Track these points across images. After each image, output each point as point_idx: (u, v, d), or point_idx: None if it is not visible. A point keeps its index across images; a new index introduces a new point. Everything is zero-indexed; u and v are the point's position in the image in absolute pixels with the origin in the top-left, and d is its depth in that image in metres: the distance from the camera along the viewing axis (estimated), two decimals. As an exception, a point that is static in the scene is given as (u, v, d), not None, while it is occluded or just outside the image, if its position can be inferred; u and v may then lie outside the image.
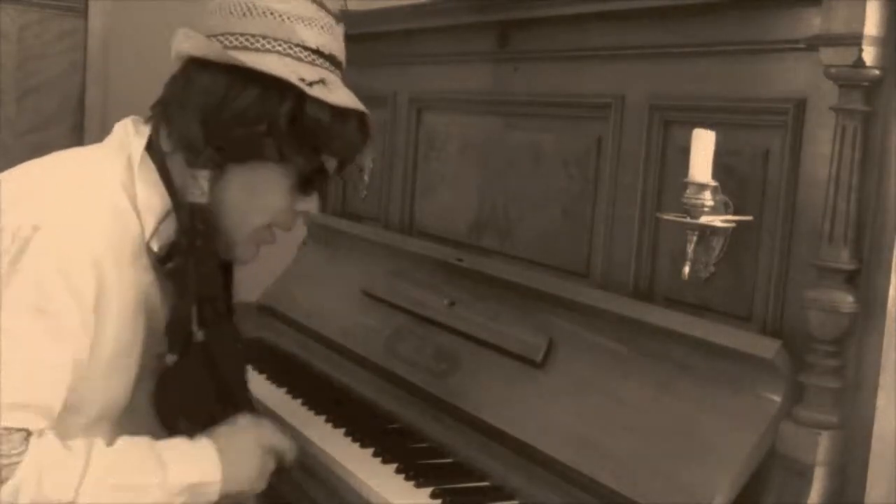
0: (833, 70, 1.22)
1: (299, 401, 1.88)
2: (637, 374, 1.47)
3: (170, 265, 1.37)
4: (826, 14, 1.21)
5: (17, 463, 1.23)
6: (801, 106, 1.33)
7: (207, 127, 1.36)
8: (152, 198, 1.37)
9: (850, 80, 1.21)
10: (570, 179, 1.73)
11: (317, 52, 1.39)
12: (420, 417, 1.78)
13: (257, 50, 1.37)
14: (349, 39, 2.26)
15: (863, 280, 1.24)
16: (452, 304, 1.86)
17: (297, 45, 1.38)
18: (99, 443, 1.31)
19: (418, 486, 1.53)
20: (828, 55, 1.22)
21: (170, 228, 1.37)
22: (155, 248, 1.37)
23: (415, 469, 1.57)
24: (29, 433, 1.25)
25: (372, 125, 1.45)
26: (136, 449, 1.33)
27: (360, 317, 2.04)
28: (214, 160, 1.36)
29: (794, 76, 1.34)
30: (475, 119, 2.00)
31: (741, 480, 1.27)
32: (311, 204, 1.47)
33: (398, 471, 1.58)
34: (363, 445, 1.67)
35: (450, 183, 2.07)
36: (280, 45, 1.37)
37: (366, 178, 2.37)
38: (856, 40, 1.18)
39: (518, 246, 1.85)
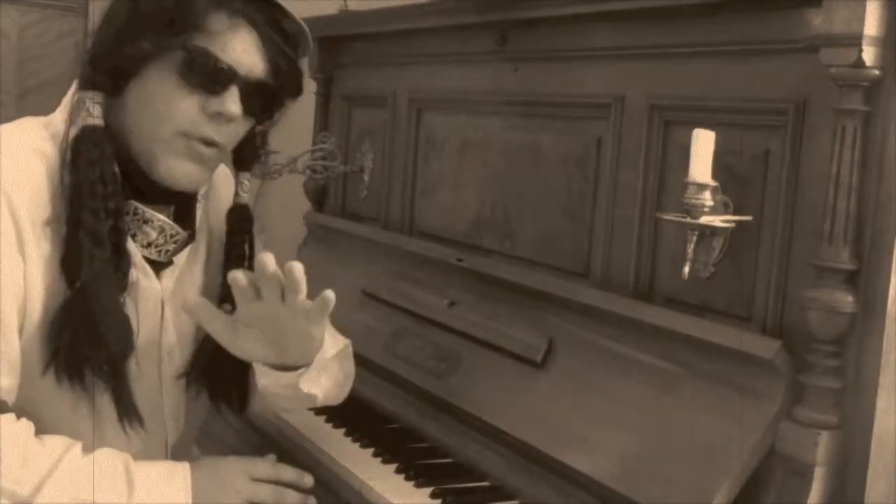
0: (833, 70, 1.22)
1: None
2: (637, 374, 1.47)
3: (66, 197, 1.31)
4: (826, 14, 1.21)
5: None
6: (801, 106, 1.33)
7: (92, 50, 1.35)
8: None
9: (850, 80, 1.21)
10: (570, 179, 1.73)
11: None
12: (420, 417, 1.78)
13: None
14: (349, 39, 2.26)
15: (863, 280, 1.24)
16: (452, 304, 1.86)
17: None
18: (76, 448, 1.28)
19: (418, 486, 1.53)
20: (828, 55, 1.22)
21: None
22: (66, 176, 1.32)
23: (415, 469, 1.57)
24: None
25: None
26: (109, 463, 1.29)
27: (360, 317, 2.04)
28: (97, 81, 1.33)
29: (794, 76, 1.34)
30: (475, 119, 2.00)
31: (741, 480, 1.27)
32: (225, 104, 1.33)
33: (398, 471, 1.58)
34: (363, 445, 1.67)
35: (450, 183, 2.07)
36: None
37: (366, 178, 2.37)
38: (856, 40, 1.18)
39: (518, 246, 1.85)
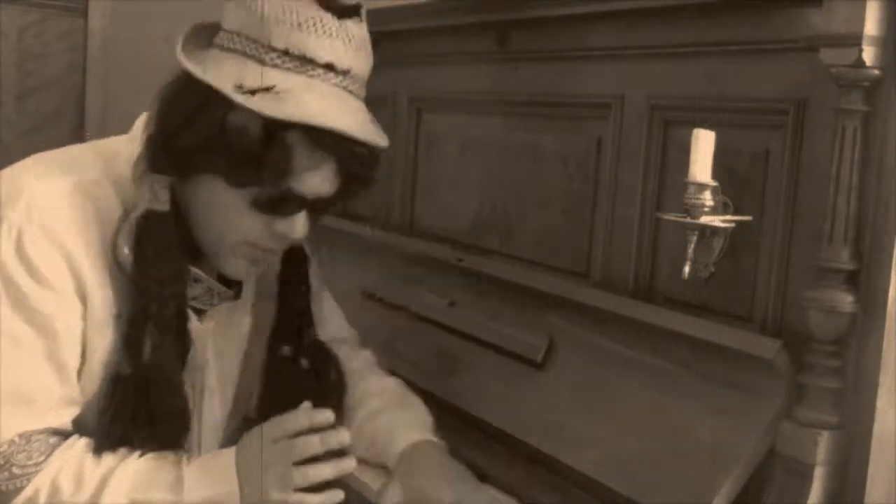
0: (833, 70, 1.22)
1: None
2: (637, 374, 1.47)
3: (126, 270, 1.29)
4: (826, 14, 1.21)
5: (34, 474, 1.22)
6: (801, 106, 1.33)
7: (159, 131, 1.28)
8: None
9: (850, 80, 1.21)
10: (570, 179, 1.73)
11: (285, 52, 1.24)
12: (420, 417, 1.78)
13: (226, 49, 1.27)
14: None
15: (863, 280, 1.24)
16: (452, 304, 1.86)
17: (264, 46, 1.24)
18: (133, 456, 1.28)
19: (418, 486, 1.53)
20: (828, 55, 1.22)
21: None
22: (123, 250, 1.29)
23: (415, 469, 1.57)
24: (58, 437, 1.24)
25: (357, 147, 1.29)
26: (162, 463, 1.29)
27: (360, 317, 2.04)
28: (165, 167, 1.28)
29: (794, 76, 1.34)
30: (475, 119, 2.00)
31: (741, 480, 1.27)
32: (293, 227, 1.32)
33: (398, 471, 1.57)
34: (363, 445, 1.67)
35: (450, 183, 2.07)
36: (248, 45, 1.25)
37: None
38: (856, 40, 1.18)
39: (518, 246, 1.85)
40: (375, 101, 2.33)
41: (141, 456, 1.29)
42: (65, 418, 1.29)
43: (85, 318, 1.28)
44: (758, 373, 1.31)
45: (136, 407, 1.30)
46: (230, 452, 1.31)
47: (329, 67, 1.28)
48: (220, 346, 1.47)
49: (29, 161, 1.35)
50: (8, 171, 1.33)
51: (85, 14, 3.47)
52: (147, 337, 1.29)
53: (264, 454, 1.27)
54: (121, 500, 1.25)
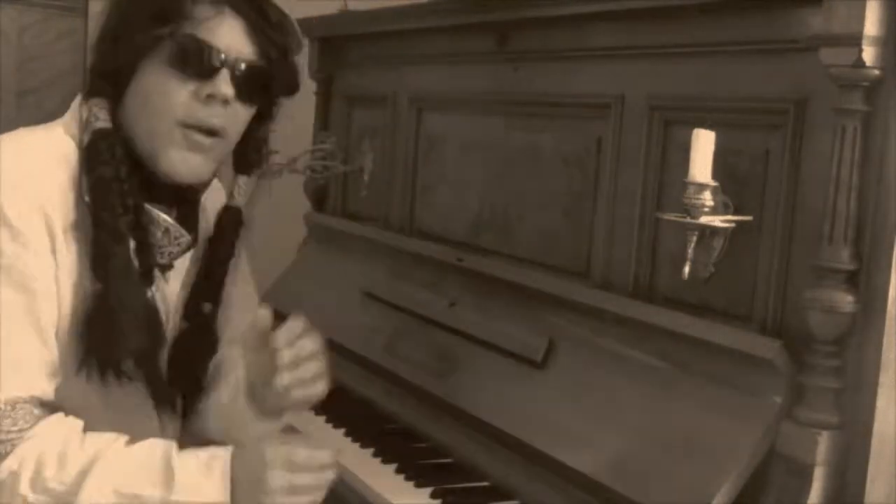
0: (833, 70, 1.22)
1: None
2: (637, 374, 1.47)
3: (86, 199, 1.33)
4: (826, 14, 1.21)
5: (18, 440, 1.23)
6: (801, 106, 1.33)
7: (95, 58, 1.39)
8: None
9: (850, 80, 1.21)
10: (570, 179, 1.73)
11: None
12: (420, 417, 1.78)
13: None
14: (349, 39, 2.25)
15: (863, 280, 1.24)
16: (452, 304, 1.86)
17: None
18: (119, 442, 1.28)
19: (418, 486, 1.53)
20: (828, 55, 1.22)
21: None
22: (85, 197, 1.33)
23: (415, 469, 1.57)
24: (41, 409, 1.25)
25: None
26: (150, 456, 1.29)
27: (360, 317, 2.04)
28: (102, 88, 1.37)
29: (794, 76, 1.34)
30: (475, 119, 2.00)
31: (741, 480, 1.27)
32: (218, 85, 1.34)
33: (398, 471, 1.58)
34: (363, 445, 1.67)
35: (450, 183, 2.07)
36: None
37: (366, 178, 2.37)
38: (856, 40, 1.18)
39: (518, 246, 1.85)
40: (375, 101, 2.35)
41: (128, 443, 1.29)
42: (48, 388, 1.29)
43: (57, 276, 1.31)
44: (758, 373, 1.31)
45: (106, 323, 1.31)
46: (225, 459, 1.29)
47: None
48: (179, 309, 1.48)
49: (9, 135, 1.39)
50: None
51: (85, 14, 3.46)
52: (104, 251, 1.32)
53: (266, 475, 1.28)
54: (105, 489, 1.25)
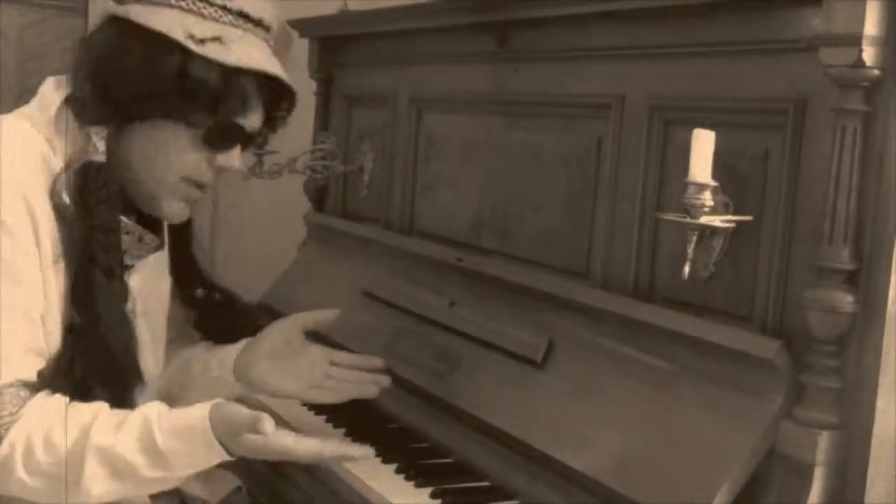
0: (833, 70, 1.22)
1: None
2: (637, 374, 1.47)
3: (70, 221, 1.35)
4: (826, 14, 1.21)
5: (10, 424, 1.25)
6: (801, 106, 1.33)
7: (96, 84, 1.37)
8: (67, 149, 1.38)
9: (850, 80, 1.21)
10: (570, 179, 1.73)
11: (223, 7, 1.38)
12: (420, 417, 1.78)
13: (156, 3, 1.37)
14: (349, 39, 2.26)
15: (863, 280, 1.24)
16: (452, 304, 1.86)
17: (201, 1, 1.37)
18: (103, 413, 1.30)
19: (418, 486, 1.53)
20: (828, 55, 1.22)
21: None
22: (63, 198, 1.35)
23: (415, 469, 1.57)
24: (27, 390, 1.26)
25: (285, 83, 1.44)
26: (136, 432, 1.31)
27: (360, 317, 2.04)
28: (103, 117, 1.36)
29: (794, 76, 1.33)
30: (475, 119, 2.00)
31: (741, 480, 1.27)
32: (233, 160, 1.44)
33: (398, 471, 1.58)
34: (363, 445, 1.67)
35: (450, 183, 2.07)
36: (183, 0, 1.37)
37: (366, 178, 2.37)
38: (856, 40, 1.18)
39: (518, 246, 1.85)
40: (375, 101, 2.35)
41: (111, 418, 1.31)
42: (32, 369, 1.31)
43: (41, 265, 1.33)
44: (758, 373, 1.31)
45: (90, 356, 1.35)
46: (205, 427, 1.32)
47: (258, 23, 1.43)
48: (147, 302, 1.52)
49: None
50: None
51: (85, 14, 3.46)
52: (95, 286, 1.35)
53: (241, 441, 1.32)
54: (101, 472, 1.28)
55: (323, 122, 2.53)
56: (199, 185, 1.44)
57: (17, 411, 1.26)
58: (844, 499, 1.25)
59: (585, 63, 1.71)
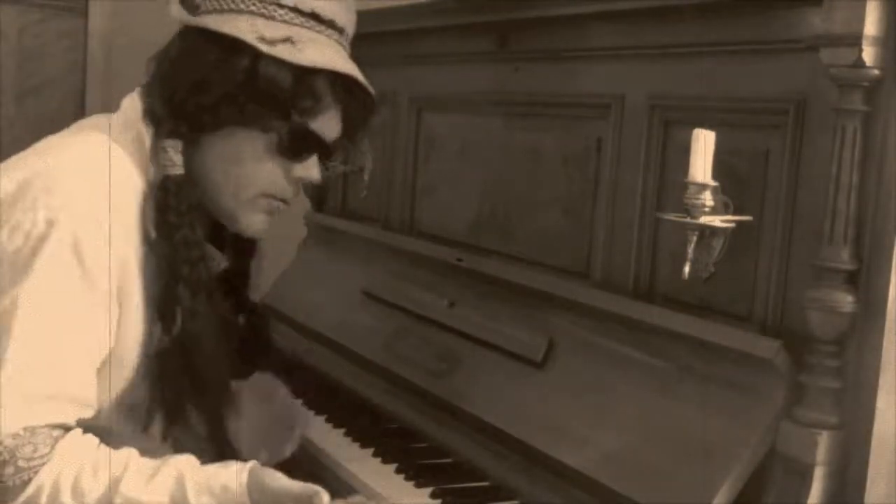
0: (833, 70, 1.22)
1: (299, 401, 1.88)
2: (637, 374, 1.47)
3: (152, 241, 1.32)
4: (826, 14, 1.21)
5: (39, 466, 1.21)
6: (801, 106, 1.33)
7: (169, 95, 1.34)
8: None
9: (850, 80, 1.21)
10: (570, 179, 1.73)
11: (294, 9, 1.35)
12: (420, 417, 1.78)
13: (228, 10, 1.34)
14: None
15: (863, 280, 1.24)
16: (452, 304, 1.86)
17: (272, 4, 1.34)
18: (135, 464, 1.26)
19: (418, 486, 1.53)
20: (828, 55, 1.22)
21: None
22: (150, 218, 1.33)
23: (415, 469, 1.57)
24: (61, 430, 1.23)
25: (365, 87, 1.40)
26: (167, 488, 1.26)
27: (360, 317, 2.04)
28: (178, 130, 1.33)
29: (794, 76, 1.33)
30: (475, 119, 2.00)
31: (741, 480, 1.27)
32: (310, 170, 1.39)
33: (398, 471, 1.58)
34: (363, 445, 1.67)
35: (450, 183, 2.07)
36: (253, 4, 1.34)
37: (366, 177, 2.37)
38: (856, 40, 1.18)
39: (518, 246, 1.85)
40: (375, 101, 2.34)
41: (142, 469, 1.27)
42: (72, 418, 1.27)
43: (120, 320, 1.30)
44: (758, 373, 1.31)
45: (180, 377, 1.33)
46: (242, 492, 1.28)
47: (330, 24, 1.39)
48: None
49: (41, 145, 1.36)
50: (22, 157, 1.33)
51: (85, 14, 3.47)
52: (180, 303, 1.32)
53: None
54: None
55: (323, 122, 2.52)
56: (280, 200, 1.40)
57: (48, 452, 1.21)
58: (844, 499, 1.25)
59: (585, 63, 1.71)
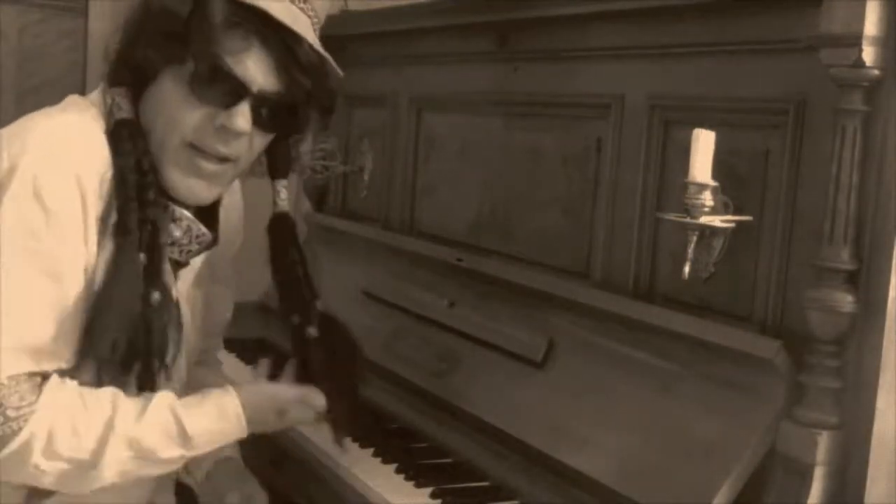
0: (833, 70, 1.22)
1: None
2: (637, 374, 1.47)
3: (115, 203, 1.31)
4: (826, 14, 1.21)
5: (29, 414, 1.22)
6: (800, 106, 1.33)
7: (113, 50, 1.38)
8: None
9: (850, 80, 1.21)
10: (570, 179, 1.73)
11: None
12: (420, 417, 1.78)
13: None
14: (349, 39, 2.25)
15: (863, 280, 1.24)
16: (452, 304, 1.86)
17: None
18: (123, 404, 1.28)
19: (418, 486, 1.53)
20: (828, 55, 1.22)
21: None
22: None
23: (415, 469, 1.57)
24: (41, 378, 1.24)
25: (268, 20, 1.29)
26: (160, 418, 1.29)
27: (360, 317, 2.04)
28: (122, 79, 1.35)
29: (794, 76, 1.34)
30: (475, 119, 2.00)
31: (741, 480, 1.27)
32: (234, 118, 1.31)
33: (398, 471, 1.58)
34: (363, 445, 1.67)
35: (450, 183, 2.07)
36: None
37: (366, 178, 2.37)
38: (856, 40, 1.18)
39: (518, 246, 1.85)
40: (375, 101, 2.35)
41: (131, 405, 1.29)
42: (55, 364, 1.28)
43: (86, 264, 1.29)
44: (758, 373, 1.31)
45: (97, 324, 1.29)
46: (233, 400, 1.33)
47: None
48: (193, 307, 1.49)
49: (24, 117, 1.37)
50: (7, 129, 1.34)
51: (85, 14, 3.46)
52: (136, 263, 1.30)
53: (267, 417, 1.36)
54: (124, 455, 1.27)
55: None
56: (210, 155, 1.33)
57: (35, 399, 1.23)
58: (844, 499, 1.25)
59: (585, 63, 1.71)
